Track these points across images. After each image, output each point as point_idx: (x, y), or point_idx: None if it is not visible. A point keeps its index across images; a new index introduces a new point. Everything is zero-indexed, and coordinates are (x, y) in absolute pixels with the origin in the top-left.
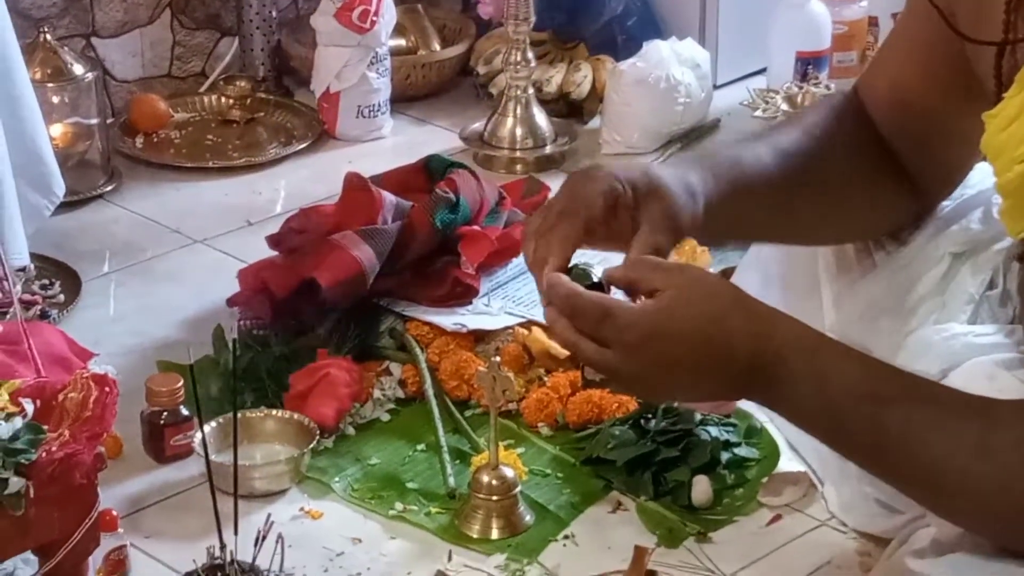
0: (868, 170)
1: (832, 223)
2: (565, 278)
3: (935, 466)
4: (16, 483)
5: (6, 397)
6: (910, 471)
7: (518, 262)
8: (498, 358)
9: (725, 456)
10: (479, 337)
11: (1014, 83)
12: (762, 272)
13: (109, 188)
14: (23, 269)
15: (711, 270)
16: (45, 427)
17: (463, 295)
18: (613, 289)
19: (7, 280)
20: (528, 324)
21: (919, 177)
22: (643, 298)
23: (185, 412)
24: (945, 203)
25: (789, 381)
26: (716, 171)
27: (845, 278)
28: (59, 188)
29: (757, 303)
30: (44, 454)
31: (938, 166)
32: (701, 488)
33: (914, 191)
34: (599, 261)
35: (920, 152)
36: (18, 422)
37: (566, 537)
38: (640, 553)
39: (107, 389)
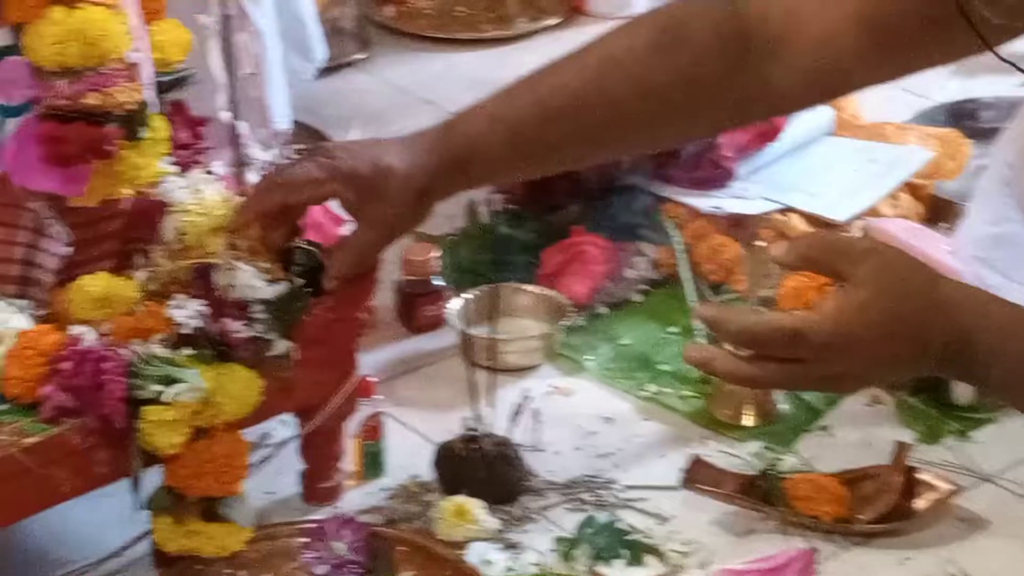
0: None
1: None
2: (722, 309)
3: None
4: (282, 345)
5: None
6: None
7: (776, 147)
8: (763, 242)
9: None
10: (735, 222)
11: None
12: None
13: (361, 56)
14: (283, 133)
15: None
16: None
17: (720, 178)
18: None
19: (276, 143)
20: (786, 211)
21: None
22: None
23: (438, 283)
24: None
25: (983, 365)
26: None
27: None
28: (321, 53)
29: (953, 291)
30: (309, 318)
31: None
32: (964, 386)
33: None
34: None
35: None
36: (285, 285)
37: (821, 428)
38: (901, 449)
39: None
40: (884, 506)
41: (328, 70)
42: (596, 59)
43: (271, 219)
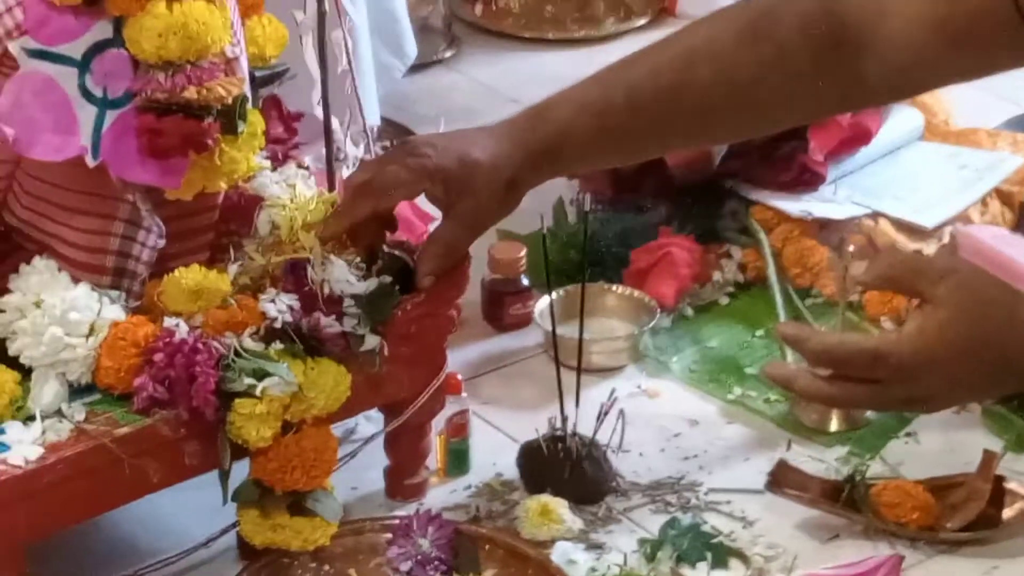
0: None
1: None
2: (803, 329)
3: None
4: (372, 341)
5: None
6: None
7: (867, 151)
8: (852, 247)
9: None
10: (823, 226)
11: None
12: None
13: (449, 54)
14: (373, 129)
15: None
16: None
17: (810, 182)
18: None
19: (368, 139)
20: (875, 216)
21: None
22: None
23: (525, 282)
24: None
25: None
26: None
27: None
28: (412, 50)
29: None
30: (400, 313)
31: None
32: None
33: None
34: None
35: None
36: (376, 280)
37: (908, 435)
38: (989, 458)
39: None
40: (971, 514)
41: (416, 68)
42: (683, 49)
43: (361, 225)
